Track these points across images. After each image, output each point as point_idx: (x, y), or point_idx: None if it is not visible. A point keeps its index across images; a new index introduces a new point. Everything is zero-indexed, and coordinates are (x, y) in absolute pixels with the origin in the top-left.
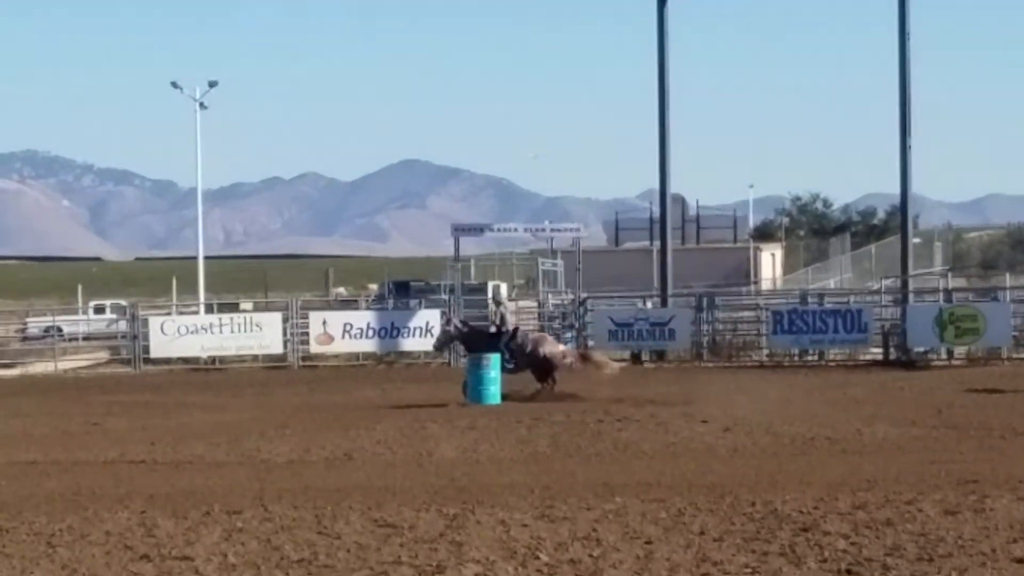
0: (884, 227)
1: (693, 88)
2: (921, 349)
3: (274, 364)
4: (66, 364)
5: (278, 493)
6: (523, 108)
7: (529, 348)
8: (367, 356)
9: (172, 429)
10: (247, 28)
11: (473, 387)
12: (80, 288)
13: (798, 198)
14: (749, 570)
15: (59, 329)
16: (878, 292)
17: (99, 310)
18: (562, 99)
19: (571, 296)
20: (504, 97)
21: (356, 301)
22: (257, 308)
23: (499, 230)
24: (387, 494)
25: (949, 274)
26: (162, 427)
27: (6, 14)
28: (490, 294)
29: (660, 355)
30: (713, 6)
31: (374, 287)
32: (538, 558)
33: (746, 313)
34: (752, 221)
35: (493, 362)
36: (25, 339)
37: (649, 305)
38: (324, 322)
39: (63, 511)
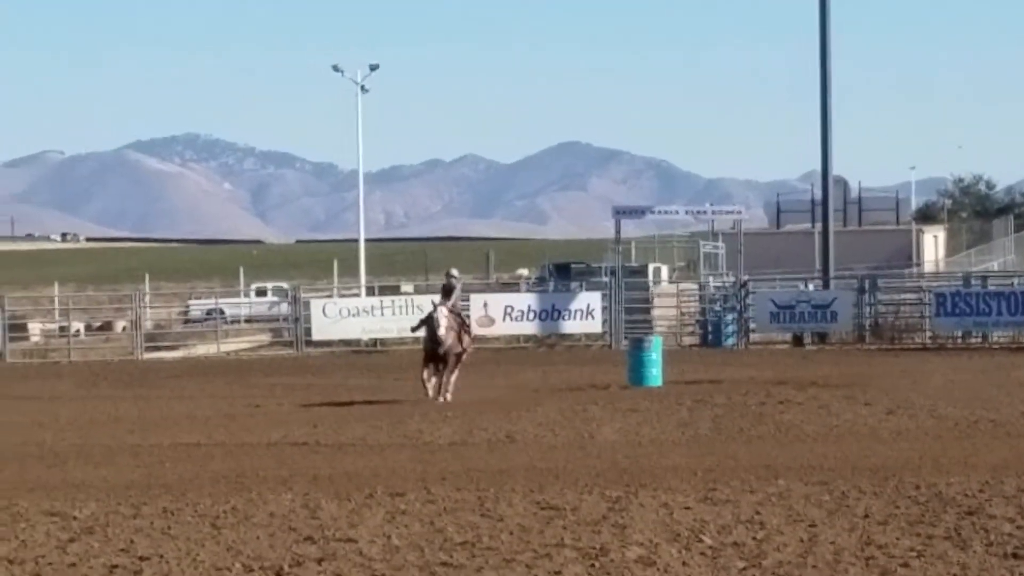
0: None
1: (856, 68)
2: None
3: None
4: (228, 346)
5: (440, 475)
6: (683, 89)
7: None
8: (528, 338)
9: (334, 411)
10: (409, 11)
11: (634, 369)
12: (242, 271)
13: (960, 179)
14: (914, 553)
15: (221, 311)
16: None
17: (261, 293)
18: (723, 80)
19: (732, 278)
20: (664, 79)
21: (517, 284)
22: (418, 290)
23: (660, 212)
24: (549, 476)
25: None
26: (324, 409)
27: None
28: (650, 276)
29: (822, 337)
30: None
31: (524, 272)
32: (701, 541)
33: (909, 295)
34: (914, 203)
35: (655, 344)
36: (188, 322)
37: (811, 287)
38: (485, 304)
39: (227, 493)
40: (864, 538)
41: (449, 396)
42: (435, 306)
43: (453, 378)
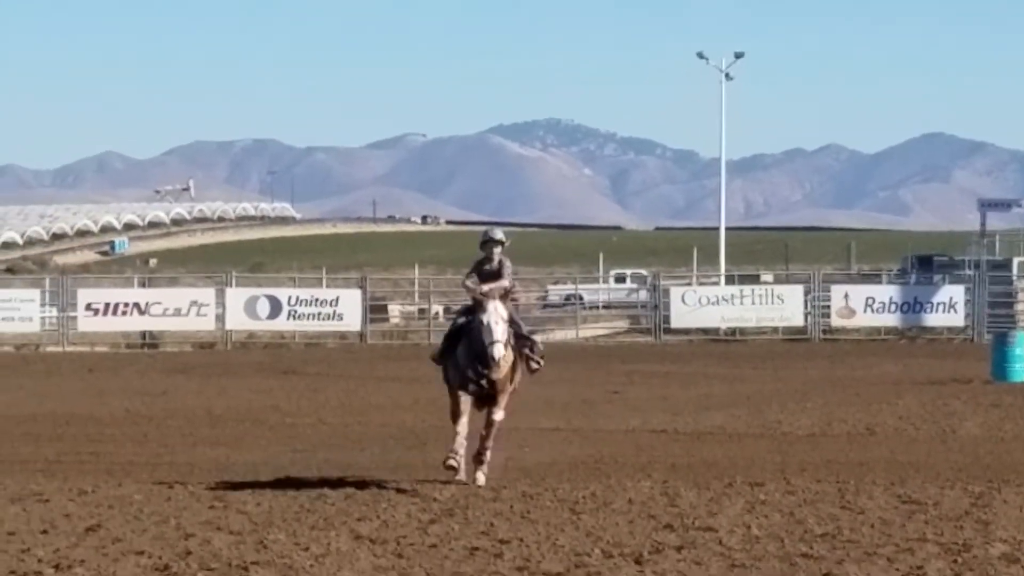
0: None
1: None
2: None
3: (794, 336)
4: (586, 332)
5: (800, 466)
6: None
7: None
8: (889, 330)
9: (692, 399)
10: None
11: (998, 364)
12: (601, 257)
13: None
14: None
15: (580, 297)
16: None
17: (619, 279)
18: None
19: None
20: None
21: (879, 275)
22: (777, 280)
23: None
24: (910, 469)
25: None
26: (682, 397)
27: None
28: (1015, 270)
29: None
30: None
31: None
32: None
33: None
34: None
35: (1020, 339)
36: (546, 307)
37: None
38: (846, 295)
39: (586, 478)
40: None
41: (483, 476)
42: (482, 296)
43: (495, 432)
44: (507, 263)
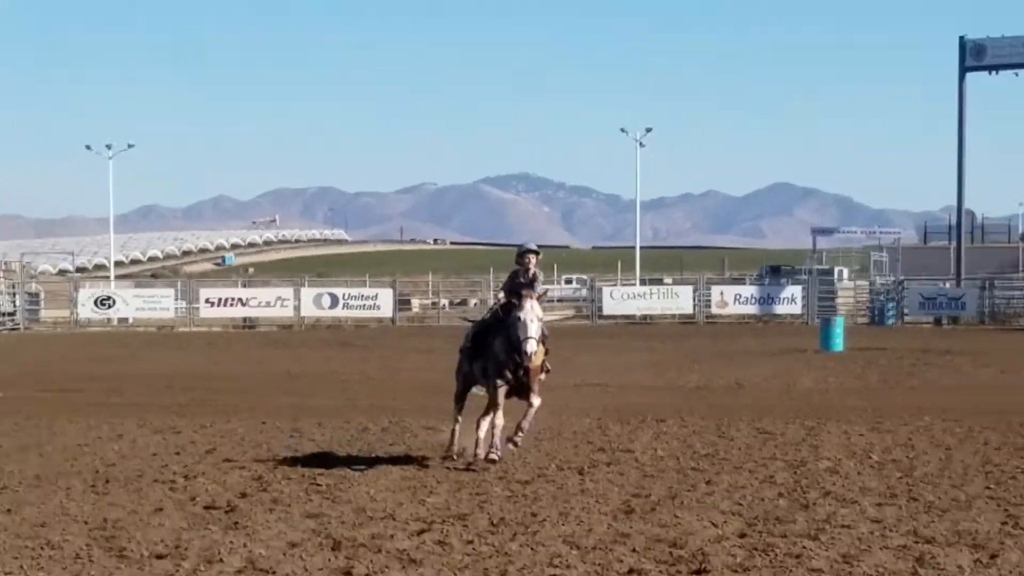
0: None
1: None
2: None
3: (686, 321)
4: (547, 318)
5: (690, 409)
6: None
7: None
8: (750, 317)
9: (618, 364)
10: None
11: (824, 339)
12: (556, 266)
13: None
14: (1021, 470)
15: (546, 291)
16: None
17: (568, 281)
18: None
19: (892, 278)
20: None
21: (744, 279)
22: (675, 282)
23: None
24: (765, 411)
25: None
26: (611, 362)
27: None
28: (835, 276)
29: (955, 320)
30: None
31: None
32: (870, 457)
33: (1016, 292)
34: (1021, 228)
35: (838, 322)
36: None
37: (948, 285)
38: (722, 293)
39: (545, 418)
40: (984, 458)
41: (520, 438)
42: (518, 297)
43: (533, 413)
44: (540, 275)
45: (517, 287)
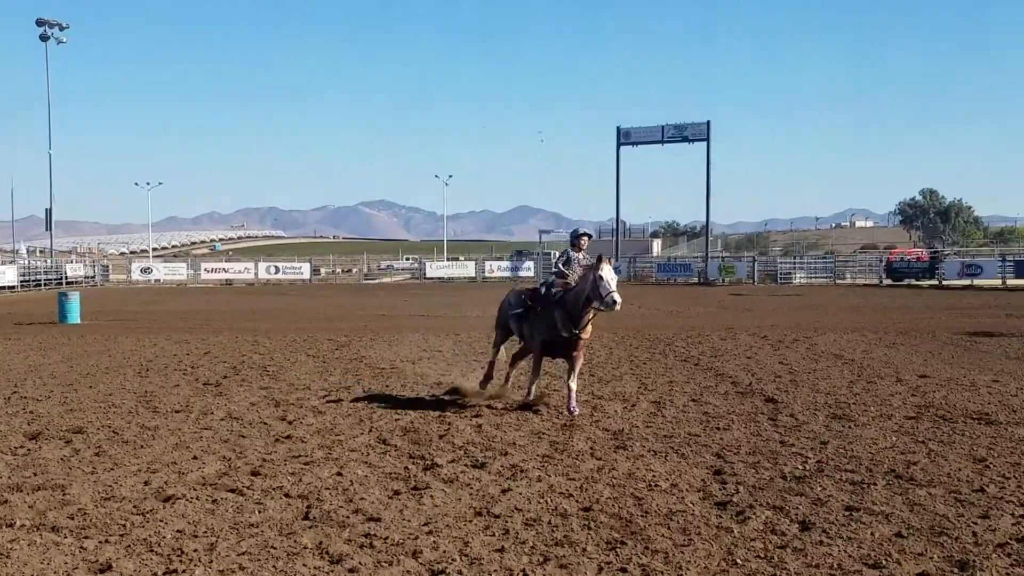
0: None
1: None
2: None
3: None
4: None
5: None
6: None
7: None
8: None
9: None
10: None
11: None
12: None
13: None
14: (652, 359)
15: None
16: None
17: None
18: None
19: None
20: None
21: None
22: None
23: None
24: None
25: None
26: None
27: None
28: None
29: None
30: None
31: None
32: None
33: (647, 264)
34: (649, 230)
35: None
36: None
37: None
38: None
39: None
40: (630, 354)
41: (576, 406)
42: (592, 267)
43: (579, 369)
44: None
45: (574, 264)
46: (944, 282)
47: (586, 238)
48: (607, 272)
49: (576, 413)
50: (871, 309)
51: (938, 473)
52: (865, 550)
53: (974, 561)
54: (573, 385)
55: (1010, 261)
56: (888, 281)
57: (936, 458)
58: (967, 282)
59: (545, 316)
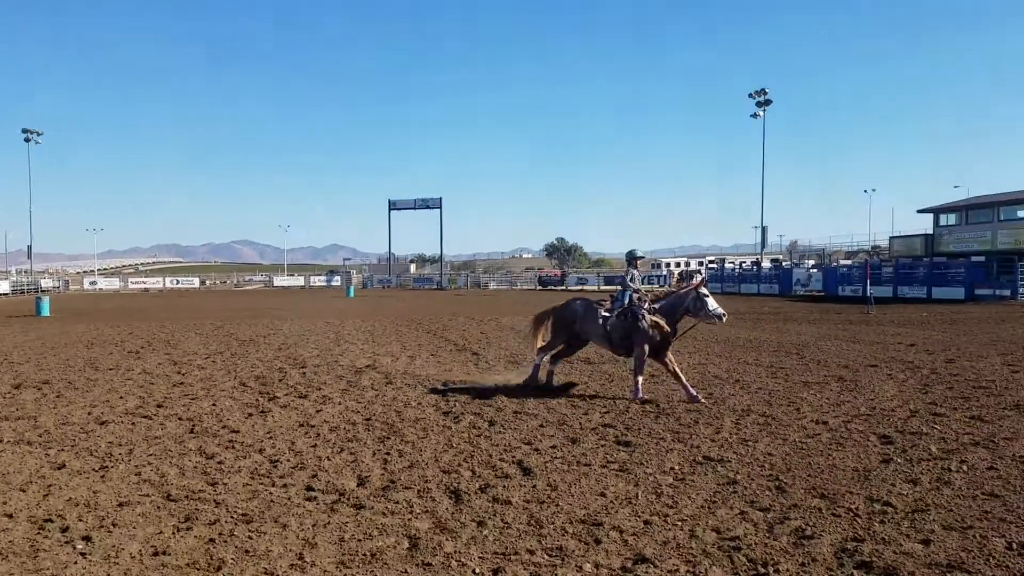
0: None
1: None
2: None
3: None
4: None
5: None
6: None
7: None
8: None
9: None
10: None
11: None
12: None
13: None
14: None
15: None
16: None
17: None
18: None
19: None
20: None
21: None
22: None
23: None
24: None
25: None
26: None
27: None
28: None
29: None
30: None
31: None
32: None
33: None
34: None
35: None
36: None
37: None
38: None
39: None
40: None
41: (696, 393)
42: (688, 283)
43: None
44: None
45: (633, 279)
46: (568, 287)
47: (639, 260)
48: (707, 292)
49: (701, 400)
50: (532, 303)
51: None
52: (523, 434)
53: None
54: (683, 379)
55: (603, 276)
56: (539, 287)
57: None
58: (579, 287)
59: (642, 324)
